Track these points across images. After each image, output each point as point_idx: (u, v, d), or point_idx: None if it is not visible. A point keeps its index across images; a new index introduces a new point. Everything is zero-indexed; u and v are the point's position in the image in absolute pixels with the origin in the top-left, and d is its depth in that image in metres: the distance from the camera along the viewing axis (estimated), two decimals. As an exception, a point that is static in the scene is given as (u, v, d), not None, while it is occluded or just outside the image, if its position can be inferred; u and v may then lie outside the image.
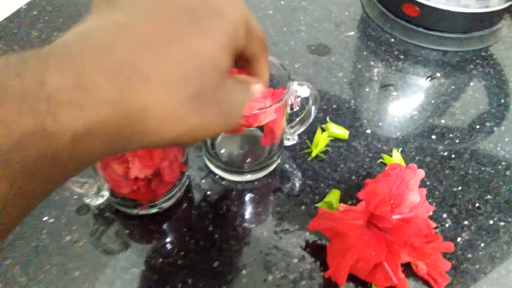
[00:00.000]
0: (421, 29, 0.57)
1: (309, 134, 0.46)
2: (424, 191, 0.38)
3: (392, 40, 0.58)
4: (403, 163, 0.43)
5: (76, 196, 0.40)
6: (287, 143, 0.44)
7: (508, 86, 0.53)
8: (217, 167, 0.42)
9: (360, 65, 0.55)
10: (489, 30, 0.57)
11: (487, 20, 0.56)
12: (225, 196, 0.41)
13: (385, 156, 0.44)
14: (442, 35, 0.56)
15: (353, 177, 0.43)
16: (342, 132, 0.46)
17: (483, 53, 0.57)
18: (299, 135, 0.44)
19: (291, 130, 0.43)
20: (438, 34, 0.56)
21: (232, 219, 0.40)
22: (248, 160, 0.43)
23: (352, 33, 0.59)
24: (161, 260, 0.37)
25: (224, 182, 0.42)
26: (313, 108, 0.40)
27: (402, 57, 0.56)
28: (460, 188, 0.42)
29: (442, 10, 0.53)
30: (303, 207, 0.41)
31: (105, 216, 0.39)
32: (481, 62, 0.56)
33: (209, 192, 0.42)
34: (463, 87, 0.53)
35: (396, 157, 0.43)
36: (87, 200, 0.38)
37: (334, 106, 0.50)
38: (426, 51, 0.57)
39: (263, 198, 0.42)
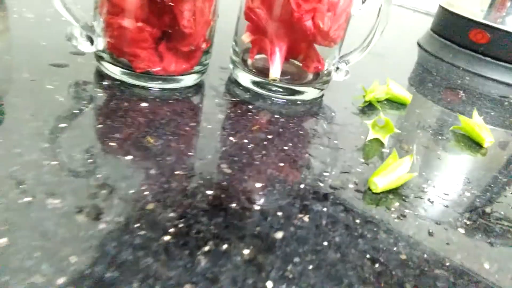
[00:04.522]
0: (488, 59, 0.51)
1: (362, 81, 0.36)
2: None
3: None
4: (487, 130, 0.32)
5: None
6: (337, 76, 0.34)
7: None
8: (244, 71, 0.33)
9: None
10: None
11: None
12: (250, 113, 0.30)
13: (461, 116, 0.33)
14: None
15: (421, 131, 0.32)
16: (404, 94, 0.36)
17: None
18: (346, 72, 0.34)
19: (346, 58, 0.34)
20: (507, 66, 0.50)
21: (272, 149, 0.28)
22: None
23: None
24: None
25: (248, 93, 0.32)
26: (384, 13, 0.32)
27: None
28: None
29: (517, 36, 0.49)
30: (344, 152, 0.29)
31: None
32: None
33: (233, 100, 0.31)
34: None
35: (477, 119, 0.33)
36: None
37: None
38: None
39: (299, 121, 0.30)
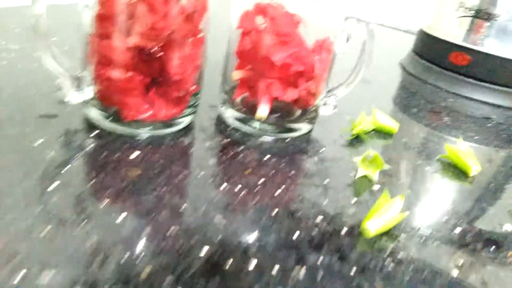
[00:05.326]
0: (471, 80, 0.52)
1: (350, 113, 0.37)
2: None
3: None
4: (473, 158, 0.33)
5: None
6: (324, 110, 0.35)
7: None
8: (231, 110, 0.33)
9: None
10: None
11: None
12: (234, 145, 0.31)
13: (447, 145, 0.34)
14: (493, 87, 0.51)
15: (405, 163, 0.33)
16: (390, 124, 0.37)
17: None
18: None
19: (333, 93, 0.34)
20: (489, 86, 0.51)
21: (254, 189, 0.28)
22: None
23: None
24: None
25: (238, 133, 0.32)
26: (367, 53, 0.32)
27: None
28: None
29: (496, 58, 0.50)
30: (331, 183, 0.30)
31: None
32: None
33: (221, 140, 0.31)
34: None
35: (463, 146, 0.33)
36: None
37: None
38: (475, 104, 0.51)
39: (290, 160, 0.31)
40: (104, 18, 0.26)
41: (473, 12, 0.52)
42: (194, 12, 0.27)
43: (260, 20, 0.30)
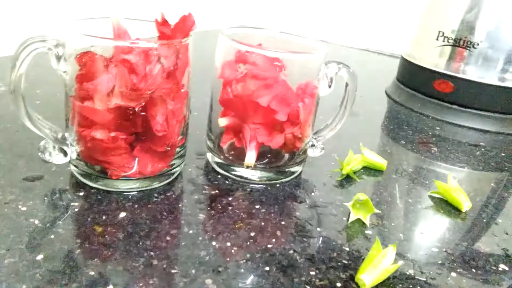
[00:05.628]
0: (455, 107, 0.53)
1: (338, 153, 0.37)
2: None
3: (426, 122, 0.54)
4: (463, 193, 0.33)
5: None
6: (312, 152, 0.35)
7: None
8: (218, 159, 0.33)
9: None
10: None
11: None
12: (225, 194, 0.30)
13: (437, 182, 0.34)
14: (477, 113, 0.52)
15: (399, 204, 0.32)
16: (379, 161, 0.37)
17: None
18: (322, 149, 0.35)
19: (318, 135, 0.35)
20: (473, 112, 0.52)
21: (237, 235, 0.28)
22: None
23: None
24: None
25: (227, 182, 0.32)
26: (349, 98, 0.33)
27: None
28: None
29: (479, 84, 0.51)
30: (331, 218, 0.29)
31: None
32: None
33: (207, 190, 0.31)
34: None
35: (453, 183, 0.33)
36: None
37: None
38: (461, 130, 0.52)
39: (280, 208, 0.30)
40: (84, 80, 0.26)
41: (452, 40, 0.53)
42: (175, 70, 0.27)
43: (242, 69, 0.31)
